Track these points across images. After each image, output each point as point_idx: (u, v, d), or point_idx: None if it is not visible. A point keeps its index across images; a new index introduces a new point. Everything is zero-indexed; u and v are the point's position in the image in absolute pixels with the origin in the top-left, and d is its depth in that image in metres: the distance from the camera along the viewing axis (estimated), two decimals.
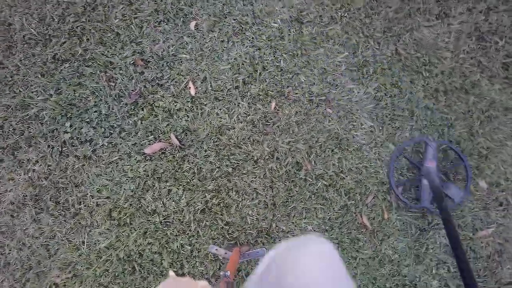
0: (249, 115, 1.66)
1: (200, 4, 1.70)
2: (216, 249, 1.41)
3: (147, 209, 1.54)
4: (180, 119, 1.61)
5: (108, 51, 1.64)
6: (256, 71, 1.66)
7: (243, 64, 1.66)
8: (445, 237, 1.62)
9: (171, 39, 1.66)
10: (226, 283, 0.99)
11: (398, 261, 1.61)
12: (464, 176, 1.65)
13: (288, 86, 1.66)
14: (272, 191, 1.58)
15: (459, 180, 1.67)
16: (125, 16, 1.67)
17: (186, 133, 1.61)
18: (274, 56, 1.67)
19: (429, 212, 1.61)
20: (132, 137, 1.59)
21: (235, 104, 1.63)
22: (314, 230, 1.58)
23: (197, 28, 1.68)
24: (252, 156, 1.60)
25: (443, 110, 1.72)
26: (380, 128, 1.68)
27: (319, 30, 1.72)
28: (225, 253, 1.40)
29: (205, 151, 1.60)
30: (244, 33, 1.69)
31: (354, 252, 1.59)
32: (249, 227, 1.55)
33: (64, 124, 1.59)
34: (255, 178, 1.59)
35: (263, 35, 1.69)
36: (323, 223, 1.59)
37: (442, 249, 1.62)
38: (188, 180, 1.57)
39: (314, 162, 1.62)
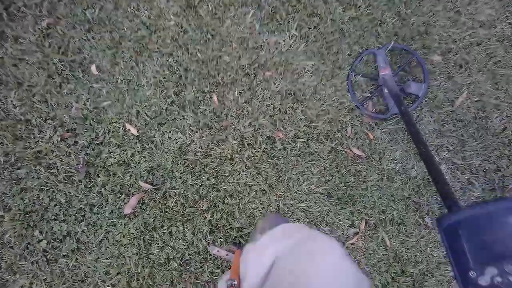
0: (199, 121, 1.61)
1: (88, 45, 1.58)
2: (218, 251, 1.43)
3: (160, 261, 1.52)
4: (139, 163, 1.54)
5: (28, 142, 1.53)
6: (180, 76, 1.59)
7: (165, 78, 1.59)
8: (432, 123, 1.67)
9: (82, 94, 1.56)
10: None
11: (403, 168, 1.66)
12: (420, 66, 1.68)
13: (218, 73, 1.61)
14: (261, 176, 1.58)
15: (418, 72, 1.72)
16: (23, 99, 1.54)
17: (153, 173, 1.55)
18: (188, 53, 1.61)
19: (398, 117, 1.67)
20: (105, 207, 1.53)
21: (180, 119, 1.58)
22: (318, 187, 1.60)
23: (100, 70, 1.58)
24: (225, 156, 1.60)
25: (367, 12, 1.71)
26: (322, 61, 1.68)
27: (214, 4, 1.64)
28: (227, 254, 1.41)
29: (180, 177, 1.56)
30: (147, 48, 1.60)
31: (362, 184, 1.63)
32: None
33: (33, 234, 1.50)
34: (239, 174, 1.58)
35: (166, 39, 1.61)
36: (321, 176, 1.61)
37: (434, 135, 1.68)
38: (181, 213, 1.54)
39: (283, 127, 1.61)
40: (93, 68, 1.59)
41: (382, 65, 1.65)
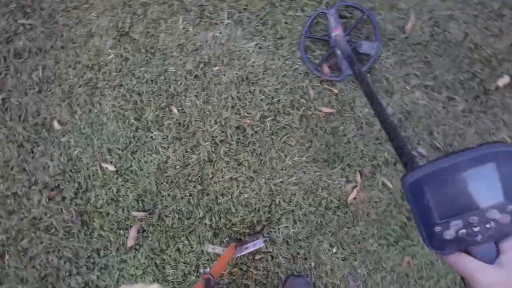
0: (167, 136, 1.67)
1: (43, 105, 1.68)
2: (213, 248, 1.47)
3: (179, 279, 1.57)
4: (126, 196, 1.61)
5: (22, 213, 1.64)
6: (136, 102, 1.66)
7: (122, 108, 1.69)
8: (392, 56, 1.66)
9: (54, 151, 1.65)
10: (205, 280, 1.00)
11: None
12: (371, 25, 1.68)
13: (170, 86, 1.67)
14: (244, 166, 1.62)
15: (369, 31, 1.73)
16: (4, 175, 1.66)
17: (142, 200, 1.63)
18: (135, 77, 1.68)
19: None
20: (110, 247, 1.60)
21: (149, 140, 1.67)
22: (301, 157, 1.61)
23: (62, 123, 1.67)
24: (203, 160, 1.65)
25: None
26: (263, 38, 1.71)
27: (145, 24, 1.71)
28: (223, 250, 1.45)
29: (168, 195, 1.63)
30: (96, 87, 1.69)
31: (343, 138, 1.64)
32: (256, 205, 1.58)
33: None
34: (222, 172, 1.64)
35: (111, 73, 1.69)
36: (300, 145, 1.63)
37: (398, 67, 1.67)
38: (182, 227, 1.60)
39: (247, 113, 1.65)
40: (55, 124, 1.67)
41: (334, 25, 1.62)
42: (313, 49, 1.72)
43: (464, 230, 0.52)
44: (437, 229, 0.53)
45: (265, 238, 1.55)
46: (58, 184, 1.63)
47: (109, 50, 1.70)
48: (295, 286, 1.50)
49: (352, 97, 1.66)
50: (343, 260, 1.58)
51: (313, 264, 1.57)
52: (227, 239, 1.57)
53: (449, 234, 0.53)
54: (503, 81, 1.62)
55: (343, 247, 1.58)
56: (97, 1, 1.74)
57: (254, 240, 1.52)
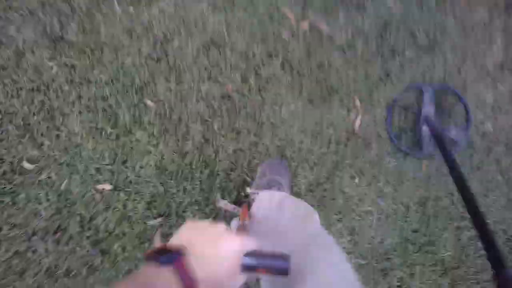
0: (152, 132, 1.59)
1: (5, 151, 1.49)
2: (225, 204, 1.45)
3: None
4: (135, 208, 1.55)
5: (34, 267, 1.51)
6: (104, 109, 1.55)
7: (91, 121, 1.56)
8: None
9: (39, 194, 1.51)
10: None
11: (356, 29, 1.59)
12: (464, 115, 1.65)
13: (134, 79, 1.57)
14: (243, 133, 1.61)
15: (460, 121, 1.67)
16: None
17: (154, 206, 1.58)
18: (92, 83, 1.56)
19: (433, 158, 1.66)
20: (140, 265, 1.52)
21: (135, 144, 1.58)
22: (296, 103, 1.54)
23: (33, 161, 1.52)
24: (199, 142, 1.61)
25: None
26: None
27: (77, 21, 1.51)
28: (234, 208, 1.42)
29: (178, 191, 1.59)
30: (53, 108, 1.52)
31: (330, 69, 1.62)
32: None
33: None
34: (222, 147, 1.61)
35: (63, 87, 1.52)
36: (292, 92, 1.62)
37: None
38: (205, 216, 1.60)
39: (227, 78, 1.55)
40: (25, 164, 1.50)
41: (427, 102, 1.61)
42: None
43: None
44: None
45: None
46: (59, 225, 1.50)
47: (49, 63, 1.49)
48: (275, 167, 1.52)
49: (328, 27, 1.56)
50: (367, 186, 1.60)
51: (341, 201, 1.59)
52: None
53: None
54: None
55: (363, 174, 1.60)
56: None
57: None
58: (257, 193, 1.26)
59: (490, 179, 1.64)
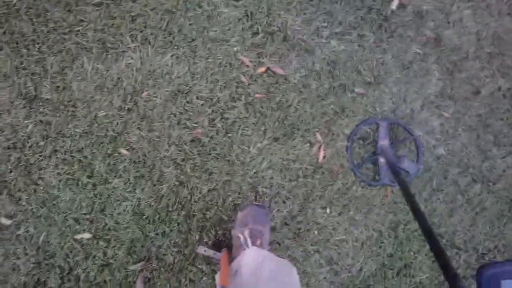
0: (128, 179, 1.72)
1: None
2: (205, 250, 1.62)
3: None
4: (116, 255, 1.75)
5: None
6: (80, 160, 1.80)
7: (68, 173, 1.72)
8: (296, 18, 1.80)
9: (17, 249, 1.67)
10: None
11: (309, 71, 1.75)
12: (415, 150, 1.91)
13: (107, 130, 1.78)
14: (215, 174, 1.76)
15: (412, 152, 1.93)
16: None
17: (133, 250, 1.69)
18: (67, 137, 1.80)
19: (391, 186, 1.88)
20: None
21: (112, 192, 1.70)
22: (262, 142, 1.67)
23: (10, 216, 1.61)
24: (174, 185, 1.73)
25: None
26: (175, 47, 1.72)
27: (50, 80, 1.68)
28: (214, 253, 1.61)
29: (157, 234, 1.71)
30: (29, 164, 1.73)
31: (290, 108, 1.84)
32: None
33: None
34: (197, 189, 1.74)
35: (39, 143, 1.74)
36: (257, 131, 1.86)
37: (305, 29, 1.77)
38: (185, 258, 1.70)
39: (195, 123, 1.81)
40: (2, 220, 1.61)
41: (382, 135, 1.85)
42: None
43: None
44: None
45: None
46: (38, 278, 1.64)
47: (24, 122, 1.59)
48: (257, 216, 1.62)
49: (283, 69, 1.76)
50: (339, 215, 1.76)
51: (316, 232, 1.75)
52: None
53: None
54: (394, 4, 1.85)
55: (334, 204, 1.78)
56: None
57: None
58: (244, 248, 1.44)
59: (452, 199, 1.84)
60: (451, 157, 1.92)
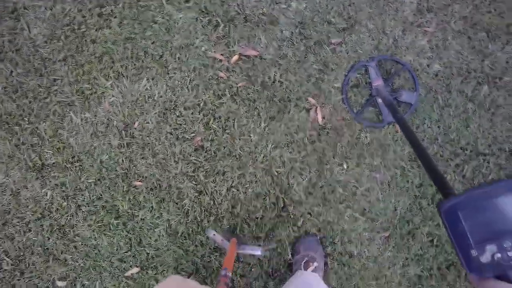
0: (152, 207, 1.80)
1: (34, 273, 1.66)
2: (214, 234, 1.60)
3: None
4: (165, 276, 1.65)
5: None
6: (103, 206, 1.89)
7: (97, 221, 1.81)
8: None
9: None
10: (225, 284, 1.18)
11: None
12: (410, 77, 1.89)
13: (116, 170, 1.83)
14: (227, 171, 1.81)
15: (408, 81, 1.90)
16: None
17: (181, 269, 1.77)
18: (84, 190, 1.90)
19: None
20: None
21: (142, 223, 1.79)
22: (260, 126, 1.72)
23: (63, 277, 1.78)
24: (194, 196, 1.80)
25: None
26: (147, 69, 1.77)
27: (48, 145, 1.81)
28: (222, 240, 1.60)
29: (196, 246, 1.78)
30: (61, 225, 1.86)
31: (278, 85, 1.87)
32: (263, 188, 1.79)
33: None
34: (216, 192, 1.78)
35: (62, 204, 1.85)
36: (250, 117, 1.85)
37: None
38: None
39: (192, 133, 1.83)
40: (58, 283, 1.83)
41: (374, 76, 1.85)
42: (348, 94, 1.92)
43: (499, 254, 0.57)
44: (473, 253, 0.59)
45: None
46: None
47: (42, 191, 1.70)
48: (307, 244, 1.71)
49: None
50: (357, 166, 1.76)
51: (340, 190, 1.75)
52: (226, 232, 1.78)
53: (485, 257, 0.58)
54: None
55: (349, 158, 1.75)
56: None
57: (255, 245, 1.62)
58: (302, 270, 1.57)
59: (463, 109, 1.80)
60: (449, 69, 1.89)
